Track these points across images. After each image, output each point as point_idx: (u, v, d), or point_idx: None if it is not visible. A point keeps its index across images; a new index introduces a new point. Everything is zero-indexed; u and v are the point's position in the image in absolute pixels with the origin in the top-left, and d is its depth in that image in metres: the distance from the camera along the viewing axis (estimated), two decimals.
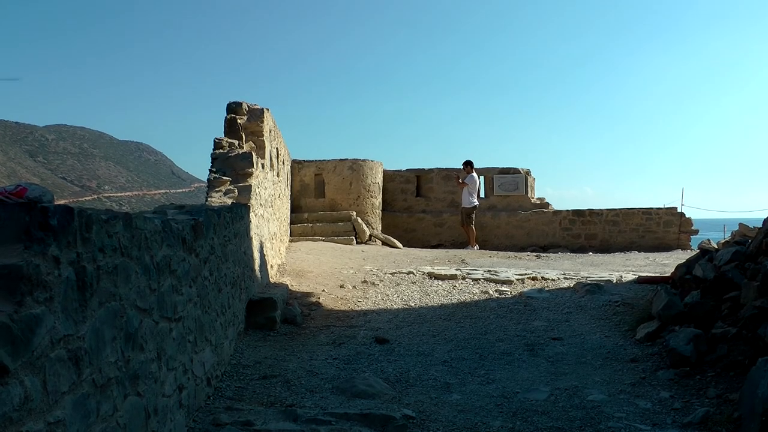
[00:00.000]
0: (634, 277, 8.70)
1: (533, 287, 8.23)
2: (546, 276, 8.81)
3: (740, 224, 8.01)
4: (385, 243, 13.71)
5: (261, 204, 7.51)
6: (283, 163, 11.39)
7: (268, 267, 7.89)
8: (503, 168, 15.91)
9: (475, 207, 14.10)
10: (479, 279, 8.65)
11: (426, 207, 15.73)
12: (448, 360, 5.37)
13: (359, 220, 13.67)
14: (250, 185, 6.76)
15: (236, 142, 7.49)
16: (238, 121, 7.80)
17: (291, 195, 13.60)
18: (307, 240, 12.49)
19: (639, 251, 13.63)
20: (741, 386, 3.97)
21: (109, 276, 2.32)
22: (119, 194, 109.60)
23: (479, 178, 14.84)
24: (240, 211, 5.75)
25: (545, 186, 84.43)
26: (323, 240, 12.58)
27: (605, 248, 14.44)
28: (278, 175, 10.12)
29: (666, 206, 15.39)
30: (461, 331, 6.28)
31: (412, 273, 9.01)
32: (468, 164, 14.33)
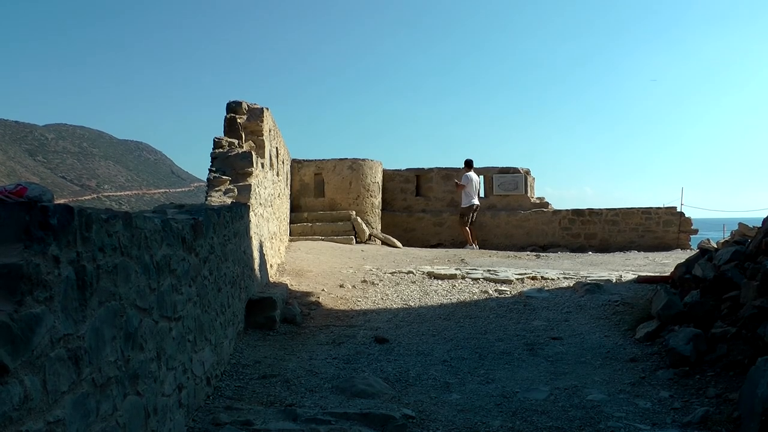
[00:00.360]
0: (633, 276, 8.71)
1: (533, 287, 8.23)
2: (546, 275, 8.82)
3: (740, 224, 8.00)
4: (384, 242, 13.71)
5: (261, 203, 7.51)
6: (283, 162, 11.39)
7: (268, 266, 7.89)
8: (503, 167, 15.91)
9: (471, 207, 14.01)
10: (479, 278, 8.65)
11: (426, 206, 15.72)
12: (447, 359, 5.37)
13: (359, 219, 13.67)
14: (250, 184, 6.77)
15: (236, 142, 7.49)
16: (238, 120, 7.80)
17: (291, 194, 13.60)
18: (306, 239, 12.49)
19: (638, 251, 13.64)
20: (741, 386, 3.97)
21: (109, 275, 2.32)
22: (119, 193, 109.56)
23: (479, 177, 14.83)
24: (240, 211, 5.75)
25: (545, 186, 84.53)
26: (323, 239, 12.58)
27: (605, 248, 14.44)
28: (278, 175, 10.12)
29: (665, 206, 15.38)
30: (461, 331, 6.28)
31: (412, 272, 9.01)
32: (466, 164, 14.34)
